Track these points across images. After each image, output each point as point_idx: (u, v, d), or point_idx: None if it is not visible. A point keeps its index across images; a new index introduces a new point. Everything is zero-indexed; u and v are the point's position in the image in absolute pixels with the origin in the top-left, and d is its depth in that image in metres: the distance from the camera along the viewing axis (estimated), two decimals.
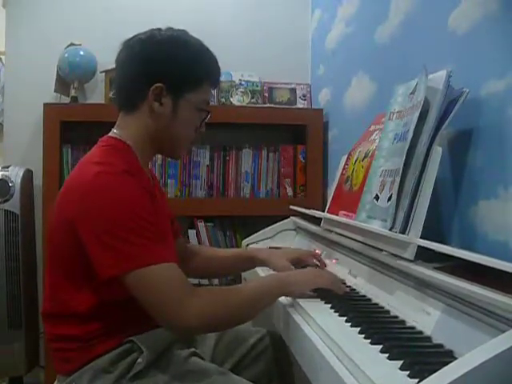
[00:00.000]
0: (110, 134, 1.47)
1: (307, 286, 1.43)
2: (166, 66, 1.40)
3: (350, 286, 1.51)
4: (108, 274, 1.24)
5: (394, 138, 1.47)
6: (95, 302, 1.32)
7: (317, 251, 1.89)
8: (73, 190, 1.33)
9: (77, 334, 1.33)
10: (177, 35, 1.44)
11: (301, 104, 2.99)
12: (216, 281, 2.73)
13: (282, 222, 2.44)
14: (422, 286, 1.19)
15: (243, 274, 2.27)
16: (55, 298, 1.38)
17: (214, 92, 2.89)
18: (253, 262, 1.79)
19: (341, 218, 1.72)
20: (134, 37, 1.45)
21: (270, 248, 2.04)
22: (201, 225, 2.80)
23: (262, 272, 1.85)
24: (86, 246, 1.25)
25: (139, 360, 1.31)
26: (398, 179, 1.34)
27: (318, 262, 1.74)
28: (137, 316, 1.31)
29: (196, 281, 2.46)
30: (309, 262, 1.74)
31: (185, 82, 1.42)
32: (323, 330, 1.14)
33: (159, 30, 1.45)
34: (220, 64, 1.50)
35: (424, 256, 1.23)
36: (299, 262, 1.72)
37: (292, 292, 1.41)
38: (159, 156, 2.69)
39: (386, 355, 0.97)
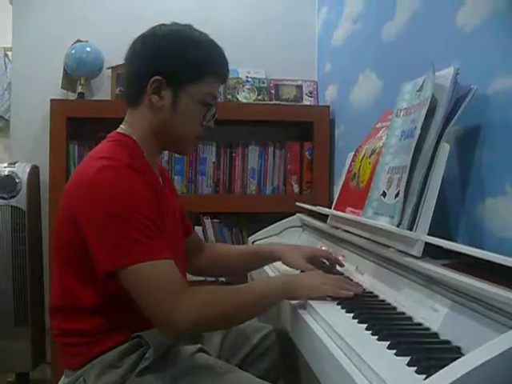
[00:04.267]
0: (118, 129, 1.48)
1: (312, 292, 1.38)
2: (165, 59, 1.40)
3: (356, 283, 1.50)
4: (104, 269, 1.24)
5: (401, 135, 1.47)
6: (102, 296, 1.33)
7: (323, 248, 1.88)
8: (76, 186, 1.33)
9: (85, 328, 1.34)
10: (178, 29, 1.45)
11: (307, 101, 2.99)
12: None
13: (288, 219, 2.44)
14: (430, 282, 1.19)
15: (250, 274, 2.25)
16: (63, 292, 1.38)
17: (221, 89, 2.89)
18: (270, 258, 1.74)
19: (347, 215, 1.71)
20: (140, 35, 1.46)
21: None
22: (207, 221, 2.80)
23: (270, 271, 1.84)
24: (87, 241, 1.26)
25: (147, 355, 1.31)
26: (405, 176, 1.34)
27: (327, 262, 1.71)
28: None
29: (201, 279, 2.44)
30: (323, 257, 1.71)
31: (184, 75, 1.41)
32: (330, 326, 1.15)
33: (163, 25, 1.46)
34: None
35: (431, 253, 1.24)
36: (313, 260, 1.68)
37: (296, 296, 1.39)
38: (166, 152, 2.69)
39: (394, 351, 0.97)
